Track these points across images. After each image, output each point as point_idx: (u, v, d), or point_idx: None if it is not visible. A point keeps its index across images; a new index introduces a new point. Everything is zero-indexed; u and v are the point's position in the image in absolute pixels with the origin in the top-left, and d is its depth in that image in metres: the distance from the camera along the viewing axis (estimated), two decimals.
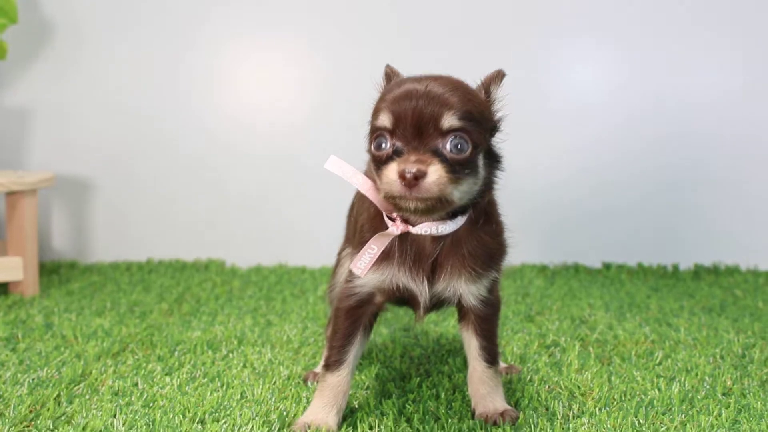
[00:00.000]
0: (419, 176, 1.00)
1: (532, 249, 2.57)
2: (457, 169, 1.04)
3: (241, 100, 2.61)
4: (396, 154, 1.05)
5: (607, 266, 2.52)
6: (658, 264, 2.53)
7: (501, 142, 1.16)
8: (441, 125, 1.04)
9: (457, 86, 1.09)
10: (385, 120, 1.06)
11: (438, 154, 1.03)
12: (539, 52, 2.54)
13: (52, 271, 2.44)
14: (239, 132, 2.61)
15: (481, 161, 1.09)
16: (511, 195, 2.58)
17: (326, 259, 2.26)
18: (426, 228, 1.12)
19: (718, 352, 1.59)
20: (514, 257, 2.50)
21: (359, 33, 2.55)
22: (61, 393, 1.32)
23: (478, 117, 1.08)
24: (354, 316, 1.22)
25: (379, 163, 1.07)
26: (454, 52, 2.50)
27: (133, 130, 2.61)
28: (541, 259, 2.57)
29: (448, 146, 1.04)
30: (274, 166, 2.60)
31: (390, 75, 1.19)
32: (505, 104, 1.16)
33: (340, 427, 1.19)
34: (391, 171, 1.02)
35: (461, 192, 1.06)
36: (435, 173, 1.01)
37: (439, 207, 1.04)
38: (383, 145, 1.07)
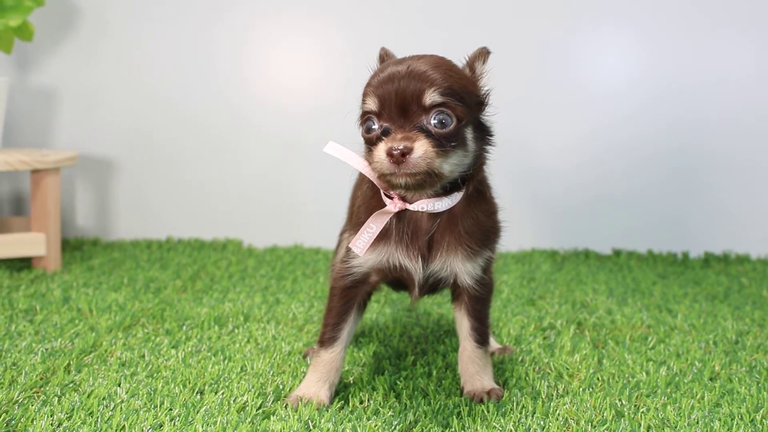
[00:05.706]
0: (406, 152, 1.06)
1: (543, 234, 2.60)
2: (443, 143, 1.09)
3: (263, 82, 2.65)
4: (384, 134, 1.10)
5: (617, 253, 2.54)
6: (668, 251, 2.54)
7: (492, 115, 1.20)
8: (423, 102, 1.09)
9: (438, 64, 1.14)
10: (371, 104, 1.12)
11: (423, 130, 1.09)
12: (556, 39, 2.56)
13: (75, 248, 2.52)
14: (262, 114, 2.65)
15: (469, 135, 1.15)
16: (522, 181, 2.60)
17: None
18: (423, 205, 1.16)
19: (711, 338, 1.62)
20: (524, 242, 2.56)
21: (388, 16, 2.56)
22: (71, 362, 1.39)
23: (461, 92, 1.13)
24: (348, 295, 1.28)
25: (370, 144, 1.13)
26: (477, 41, 2.50)
27: (157, 111, 2.68)
28: (552, 245, 2.60)
29: (432, 122, 1.10)
30: (294, 148, 2.64)
31: (384, 57, 1.25)
32: (492, 79, 1.20)
33: (332, 400, 1.25)
34: (380, 150, 1.08)
35: (451, 165, 1.11)
36: (421, 148, 1.06)
37: (429, 181, 1.10)
38: (372, 127, 1.13)
